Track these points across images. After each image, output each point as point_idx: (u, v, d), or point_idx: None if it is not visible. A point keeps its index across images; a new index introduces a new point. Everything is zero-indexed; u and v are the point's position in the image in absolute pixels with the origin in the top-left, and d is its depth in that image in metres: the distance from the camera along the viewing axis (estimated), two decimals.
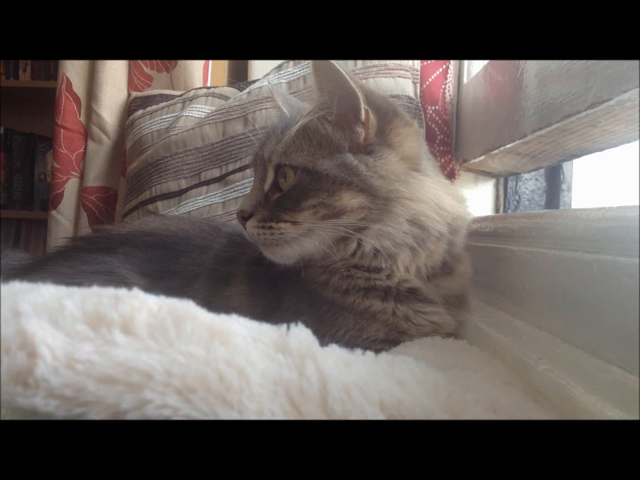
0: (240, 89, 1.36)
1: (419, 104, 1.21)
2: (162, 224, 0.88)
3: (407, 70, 1.20)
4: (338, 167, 0.64)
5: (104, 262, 0.77)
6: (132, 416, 0.32)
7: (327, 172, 0.64)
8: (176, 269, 0.77)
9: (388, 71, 1.19)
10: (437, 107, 1.23)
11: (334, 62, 0.62)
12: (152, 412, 0.32)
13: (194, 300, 0.42)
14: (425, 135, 1.20)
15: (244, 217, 0.67)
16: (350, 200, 0.64)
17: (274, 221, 0.65)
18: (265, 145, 0.70)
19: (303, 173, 0.65)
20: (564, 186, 1.09)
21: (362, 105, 0.65)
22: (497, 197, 1.24)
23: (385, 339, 0.67)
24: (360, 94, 0.64)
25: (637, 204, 0.46)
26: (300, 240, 0.66)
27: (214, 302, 0.70)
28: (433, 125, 1.24)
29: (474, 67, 1.20)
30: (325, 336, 0.64)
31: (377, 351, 0.64)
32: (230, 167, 1.26)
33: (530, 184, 1.16)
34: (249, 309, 0.70)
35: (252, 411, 0.33)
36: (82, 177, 1.62)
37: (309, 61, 1.27)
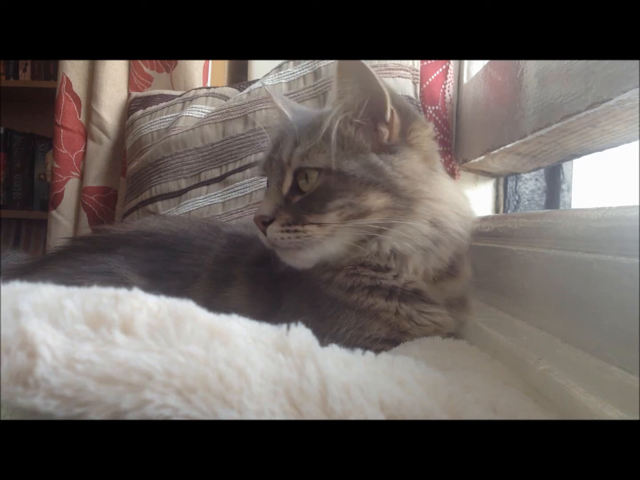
0: (240, 89, 1.36)
1: (419, 104, 1.21)
2: (162, 224, 0.88)
3: (407, 70, 1.20)
4: (364, 168, 0.64)
5: (104, 262, 0.77)
6: (132, 416, 0.32)
7: (354, 172, 0.64)
8: (176, 269, 0.77)
9: (388, 71, 1.19)
10: (437, 107, 1.23)
11: (364, 62, 0.62)
12: (152, 412, 0.32)
13: (194, 300, 0.42)
14: None
15: (264, 222, 0.66)
16: (375, 200, 0.64)
17: (299, 224, 0.64)
18: (280, 148, 0.69)
19: (328, 174, 0.64)
20: (564, 186, 1.09)
21: (389, 105, 0.65)
22: (497, 197, 1.24)
23: (386, 339, 0.67)
24: (387, 94, 0.65)
25: (637, 204, 0.46)
26: (323, 243, 0.65)
27: (214, 303, 0.69)
28: (433, 125, 1.24)
29: (474, 67, 1.19)
30: (325, 335, 0.64)
31: (378, 351, 0.64)
32: (230, 167, 1.26)
33: (530, 184, 1.16)
34: (249, 309, 0.70)
35: (252, 411, 0.33)
36: (82, 177, 1.62)
37: (309, 61, 1.28)
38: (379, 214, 0.64)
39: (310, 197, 0.65)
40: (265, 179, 1.14)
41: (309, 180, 0.66)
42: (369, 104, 0.65)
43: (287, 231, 0.64)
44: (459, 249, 0.72)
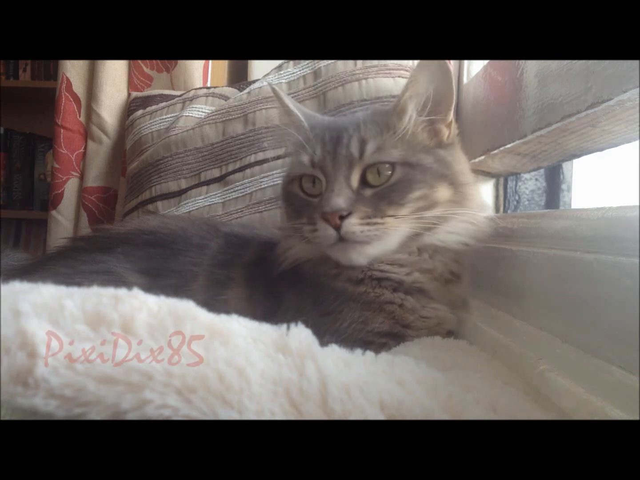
0: (240, 89, 1.36)
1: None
2: (161, 222, 0.88)
3: (407, 70, 1.20)
4: (437, 162, 0.69)
5: (103, 261, 0.77)
6: (132, 416, 0.32)
7: (430, 165, 0.68)
8: (175, 267, 0.77)
9: (388, 71, 1.19)
10: None
11: (448, 62, 0.67)
12: (152, 412, 0.32)
13: (192, 301, 0.42)
14: None
15: (342, 215, 0.64)
16: (443, 193, 0.68)
17: (378, 217, 0.65)
18: (343, 143, 0.69)
19: (405, 167, 0.67)
20: (564, 186, 1.09)
21: (453, 107, 0.70)
22: (497, 197, 1.24)
23: (389, 332, 0.68)
24: (455, 96, 0.69)
25: (637, 204, 0.46)
26: (389, 236, 0.67)
27: (212, 305, 0.69)
28: None
29: (474, 67, 1.19)
30: (328, 331, 0.65)
31: (381, 345, 0.66)
32: (230, 167, 1.26)
33: (530, 184, 1.16)
34: (248, 312, 0.70)
35: (252, 411, 0.33)
36: (82, 177, 1.62)
37: (309, 61, 1.27)
38: (441, 206, 0.68)
39: (388, 189, 0.66)
40: (264, 179, 1.15)
41: (381, 174, 0.67)
42: (433, 103, 0.69)
43: (368, 224, 0.65)
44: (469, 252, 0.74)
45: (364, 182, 0.68)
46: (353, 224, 0.64)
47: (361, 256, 0.67)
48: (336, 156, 0.69)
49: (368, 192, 0.67)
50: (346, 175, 0.68)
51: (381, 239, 0.66)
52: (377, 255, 0.68)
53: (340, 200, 0.65)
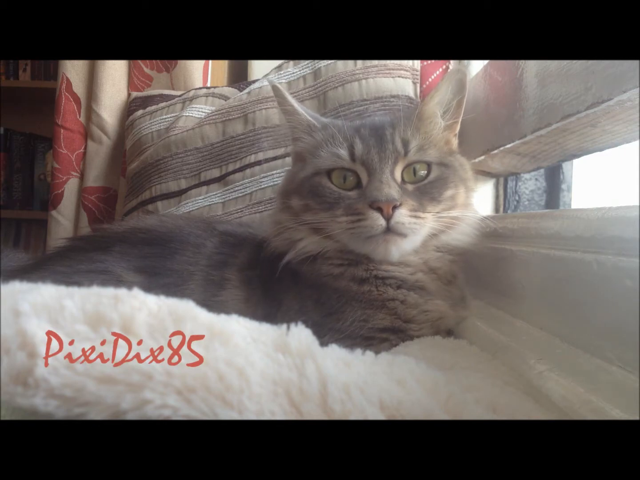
0: (240, 89, 1.36)
1: (419, 104, 1.21)
2: (158, 221, 0.87)
3: (407, 70, 1.20)
4: (459, 165, 0.74)
5: (101, 260, 0.76)
6: (132, 416, 0.32)
7: (457, 168, 0.73)
8: (171, 266, 0.76)
9: (388, 71, 1.19)
10: None
11: (465, 71, 0.72)
12: (152, 412, 0.32)
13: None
14: None
15: (395, 206, 0.65)
16: (461, 195, 0.73)
17: (420, 211, 0.67)
18: (388, 139, 0.71)
19: (441, 167, 0.72)
20: (564, 186, 1.09)
21: (461, 117, 0.76)
22: (497, 197, 1.24)
23: (390, 327, 0.68)
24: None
25: (637, 204, 0.46)
26: (422, 232, 0.69)
27: (209, 306, 0.69)
28: None
29: (474, 67, 1.19)
30: (330, 330, 0.66)
31: (382, 340, 0.67)
32: (230, 167, 1.26)
33: (530, 184, 1.16)
34: (247, 314, 0.69)
35: (252, 411, 0.33)
36: (82, 177, 1.62)
37: (309, 61, 1.27)
38: (458, 208, 0.71)
39: (429, 186, 0.70)
40: (264, 179, 1.14)
41: (416, 173, 0.71)
42: (452, 112, 0.75)
43: (414, 217, 0.66)
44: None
45: (401, 177, 0.71)
46: (404, 215, 0.66)
47: (398, 250, 0.69)
48: (383, 150, 0.70)
49: (410, 187, 0.69)
50: (391, 169, 0.69)
51: (416, 234, 0.68)
52: (408, 251, 0.70)
53: (392, 191, 0.66)
